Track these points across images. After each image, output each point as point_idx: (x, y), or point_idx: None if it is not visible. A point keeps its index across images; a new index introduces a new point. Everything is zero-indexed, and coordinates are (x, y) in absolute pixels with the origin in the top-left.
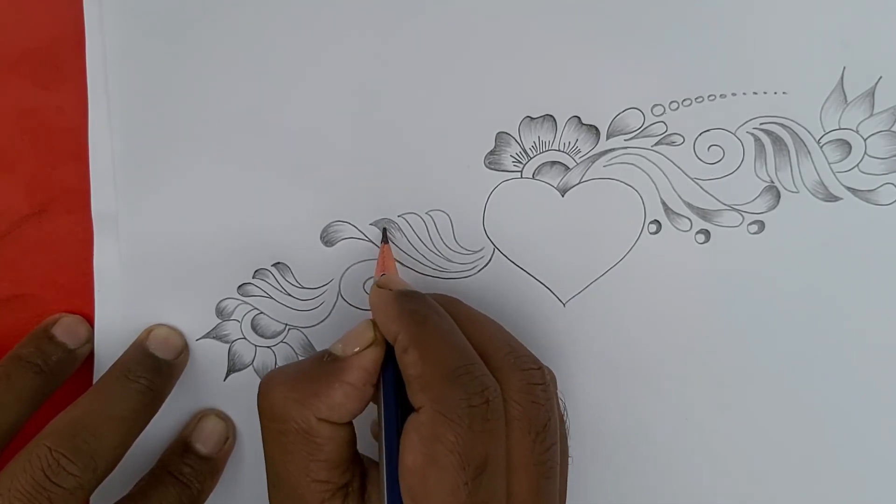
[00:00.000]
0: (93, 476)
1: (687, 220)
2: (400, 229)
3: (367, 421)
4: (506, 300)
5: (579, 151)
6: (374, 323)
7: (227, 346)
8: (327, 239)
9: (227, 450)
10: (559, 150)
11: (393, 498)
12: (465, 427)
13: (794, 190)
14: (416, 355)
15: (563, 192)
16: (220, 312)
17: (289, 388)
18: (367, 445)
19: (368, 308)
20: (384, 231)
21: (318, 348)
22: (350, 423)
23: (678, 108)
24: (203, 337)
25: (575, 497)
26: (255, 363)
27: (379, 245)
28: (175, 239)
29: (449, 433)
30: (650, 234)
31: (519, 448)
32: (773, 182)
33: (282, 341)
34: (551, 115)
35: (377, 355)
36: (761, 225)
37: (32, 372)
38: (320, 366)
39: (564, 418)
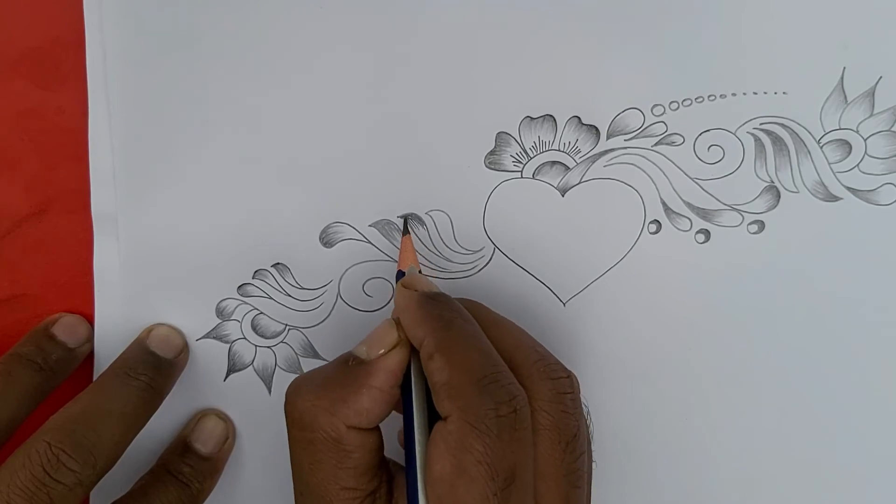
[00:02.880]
0: (92, 472)
1: (687, 220)
2: (399, 230)
3: (394, 427)
4: (506, 300)
5: (579, 151)
6: (397, 322)
7: (227, 346)
8: (327, 240)
9: (227, 450)
10: (559, 150)
11: None
12: (493, 437)
13: (794, 190)
14: (442, 362)
15: (563, 192)
16: (220, 312)
17: (316, 395)
18: (393, 450)
19: (367, 309)
20: (405, 222)
21: (318, 349)
22: (377, 429)
23: (678, 108)
24: (203, 337)
25: None
26: (255, 363)
27: (378, 246)
28: (175, 239)
29: (477, 443)
30: (650, 234)
31: (548, 458)
32: (773, 182)
33: (282, 341)
34: (551, 115)
35: (403, 357)
36: (761, 225)
37: (32, 369)
38: (345, 371)
39: (588, 423)
